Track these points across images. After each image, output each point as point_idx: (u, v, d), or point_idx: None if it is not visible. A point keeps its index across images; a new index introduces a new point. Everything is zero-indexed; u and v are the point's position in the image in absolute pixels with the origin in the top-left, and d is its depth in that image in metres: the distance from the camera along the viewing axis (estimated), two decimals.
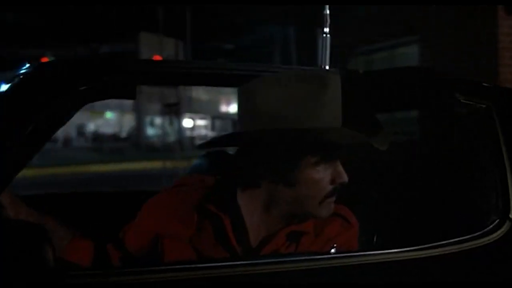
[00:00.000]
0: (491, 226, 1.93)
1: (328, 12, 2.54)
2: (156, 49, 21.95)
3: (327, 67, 2.46)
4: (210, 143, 1.82)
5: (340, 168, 1.82)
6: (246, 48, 23.03)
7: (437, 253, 1.87)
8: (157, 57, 25.04)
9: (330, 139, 1.73)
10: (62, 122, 1.72)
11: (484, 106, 2.07)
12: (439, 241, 1.89)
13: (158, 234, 1.87)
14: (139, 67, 1.84)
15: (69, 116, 1.73)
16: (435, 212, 2.17)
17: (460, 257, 1.88)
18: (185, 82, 2.13)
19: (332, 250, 1.82)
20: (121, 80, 1.75)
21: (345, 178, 1.81)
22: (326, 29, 2.56)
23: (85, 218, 2.38)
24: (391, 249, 1.85)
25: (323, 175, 1.79)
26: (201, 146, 1.83)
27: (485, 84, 2.18)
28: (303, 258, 1.77)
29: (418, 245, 1.86)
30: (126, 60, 1.80)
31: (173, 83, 2.31)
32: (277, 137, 1.72)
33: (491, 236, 1.92)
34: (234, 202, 1.85)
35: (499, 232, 1.92)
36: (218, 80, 1.98)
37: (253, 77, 1.78)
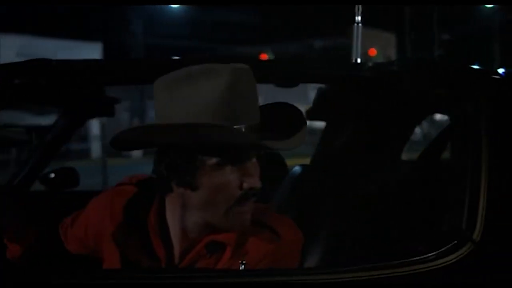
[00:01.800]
0: (447, 247, 1.62)
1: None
2: (370, 43, 21.73)
3: (358, 60, 2.28)
4: (121, 140, 1.65)
5: (252, 171, 1.63)
6: (465, 38, 21.99)
7: (381, 275, 1.62)
8: (373, 51, 24.78)
9: (218, 138, 1.57)
10: None
11: (468, 99, 1.74)
12: (385, 262, 1.63)
13: (96, 236, 1.84)
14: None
15: None
16: (388, 227, 1.88)
17: (404, 281, 1.61)
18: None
19: (242, 266, 1.63)
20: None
21: (256, 183, 1.62)
22: (358, 18, 2.37)
23: None
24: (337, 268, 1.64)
25: (228, 179, 1.62)
26: (113, 144, 1.65)
27: (474, 69, 1.83)
28: (215, 272, 1.63)
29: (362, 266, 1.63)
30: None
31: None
32: (168, 135, 1.58)
33: (445, 259, 1.61)
34: (160, 205, 1.74)
35: (455, 255, 1.61)
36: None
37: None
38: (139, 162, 21.84)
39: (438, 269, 1.61)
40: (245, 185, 1.63)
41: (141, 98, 24.97)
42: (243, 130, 1.59)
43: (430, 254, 1.62)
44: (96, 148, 23.55)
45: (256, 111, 1.64)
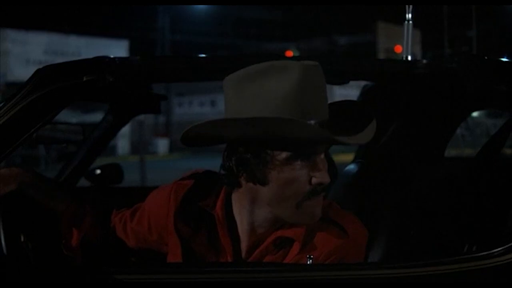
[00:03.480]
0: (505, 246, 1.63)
1: None
2: (395, 40, 21.62)
3: (409, 57, 2.28)
4: (192, 135, 1.65)
5: (320, 166, 1.63)
6: (488, 35, 21.81)
7: (429, 272, 1.63)
8: (398, 48, 24.70)
9: (291, 133, 1.57)
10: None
11: None
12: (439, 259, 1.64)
13: (160, 231, 1.85)
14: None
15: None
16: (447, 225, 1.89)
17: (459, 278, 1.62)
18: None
19: (309, 261, 1.64)
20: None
21: (324, 178, 1.62)
22: (409, 16, 2.37)
23: None
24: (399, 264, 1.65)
25: (298, 174, 1.62)
26: (184, 140, 1.66)
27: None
28: (283, 267, 1.64)
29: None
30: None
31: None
32: (239, 129, 1.59)
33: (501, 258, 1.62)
34: (226, 200, 1.75)
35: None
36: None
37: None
38: (165, 159, 22.03)
39: (504, 265, 1.61)
40: (314, 180, 1.63)
41: (167, 95, 25.02)
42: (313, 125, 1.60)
43: (496, 250, 1.63)
44: (122, 145, 23.72)
45: (326, 107, 1.64)
